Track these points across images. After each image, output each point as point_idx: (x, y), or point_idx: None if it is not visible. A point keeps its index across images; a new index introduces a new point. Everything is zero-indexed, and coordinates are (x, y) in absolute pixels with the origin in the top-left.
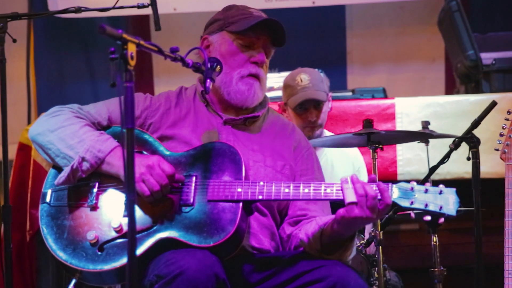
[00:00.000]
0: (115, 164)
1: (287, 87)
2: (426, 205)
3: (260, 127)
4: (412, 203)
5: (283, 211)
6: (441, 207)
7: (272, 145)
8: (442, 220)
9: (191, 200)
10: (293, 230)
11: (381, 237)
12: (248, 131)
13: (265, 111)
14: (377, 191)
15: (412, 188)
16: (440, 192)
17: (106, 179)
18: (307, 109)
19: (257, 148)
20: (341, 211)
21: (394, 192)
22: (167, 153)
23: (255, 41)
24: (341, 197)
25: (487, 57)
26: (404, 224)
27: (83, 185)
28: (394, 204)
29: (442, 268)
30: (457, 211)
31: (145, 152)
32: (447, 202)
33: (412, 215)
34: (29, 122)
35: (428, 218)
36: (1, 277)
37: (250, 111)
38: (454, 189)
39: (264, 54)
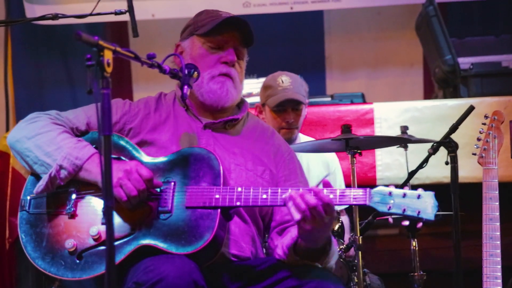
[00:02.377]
0: (93, 171)
1: (267, 87)
2: (404, 210)
3: (240, 131)
4: (389, 208)
5: (266, 217)
6: (419, 212)
7: (253, 149)
8: (420, 224)
9: (169, 206)
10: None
11: (360, 242)
12: (229, 134)
13: (244, 114)
14: (316, 198)
15: (390, 193)
16: (418, 197)
17: (84, 186)
18: (286, 110)
19: (238, 151)
20: (297, 229)
21: (372, 197)
22: (146, 159)
23: (223, 43)
24: None
25: (465, 61)
26: (384, 229)
27: (61, 192)
28: (372, 209)
29: (421, 272)
30: (436, 216)
31: (123, 158)
32: (425, 206)
33: (390, 220)
34: (7, 130)
35: (406, 223)
36: None
37: (229, 113)
38: (432, 193)
39: (233, 53)
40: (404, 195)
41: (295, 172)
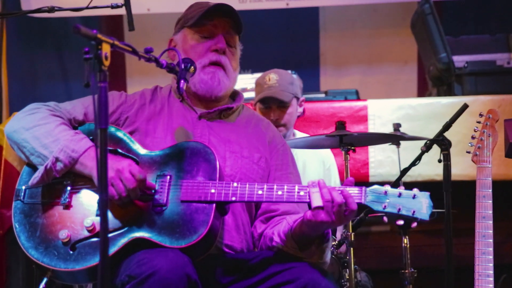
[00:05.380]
0: (88, 164)
1: (257, 85)
2: (399, 210)
3: (235, 120)
4: (385, 207)
5: (258, 203)
6: (414, 212)
7: (248, 137)
8: (415, 224)
9: (164, 200)
10: (265, 229)
11: (352, 239)
12: (224, 123)
13: (239, 104)
14: (343, 197)
15: (385, 192)
16: (414, 197)
17: (80, 178)
18: (271, 107)
19: (234, 139)
20: (308, 214)
21: (368, 196)
22: (142, 152)
23: (213, 29)
24: None
25: (459, 60)
26: (375, 226)
27: (57, 183)
28: (367, 207)
29: (412, 269)
30: (431, 216)
31: (120, 150)
32: (421, 206)
33: (385, 219)
34: (0, 122)
35: (401, 222)
36: None
37: (224, 103)
38: (428, 193)
39: (223, 40)
40: (400, 195)
41: (287, 163)
